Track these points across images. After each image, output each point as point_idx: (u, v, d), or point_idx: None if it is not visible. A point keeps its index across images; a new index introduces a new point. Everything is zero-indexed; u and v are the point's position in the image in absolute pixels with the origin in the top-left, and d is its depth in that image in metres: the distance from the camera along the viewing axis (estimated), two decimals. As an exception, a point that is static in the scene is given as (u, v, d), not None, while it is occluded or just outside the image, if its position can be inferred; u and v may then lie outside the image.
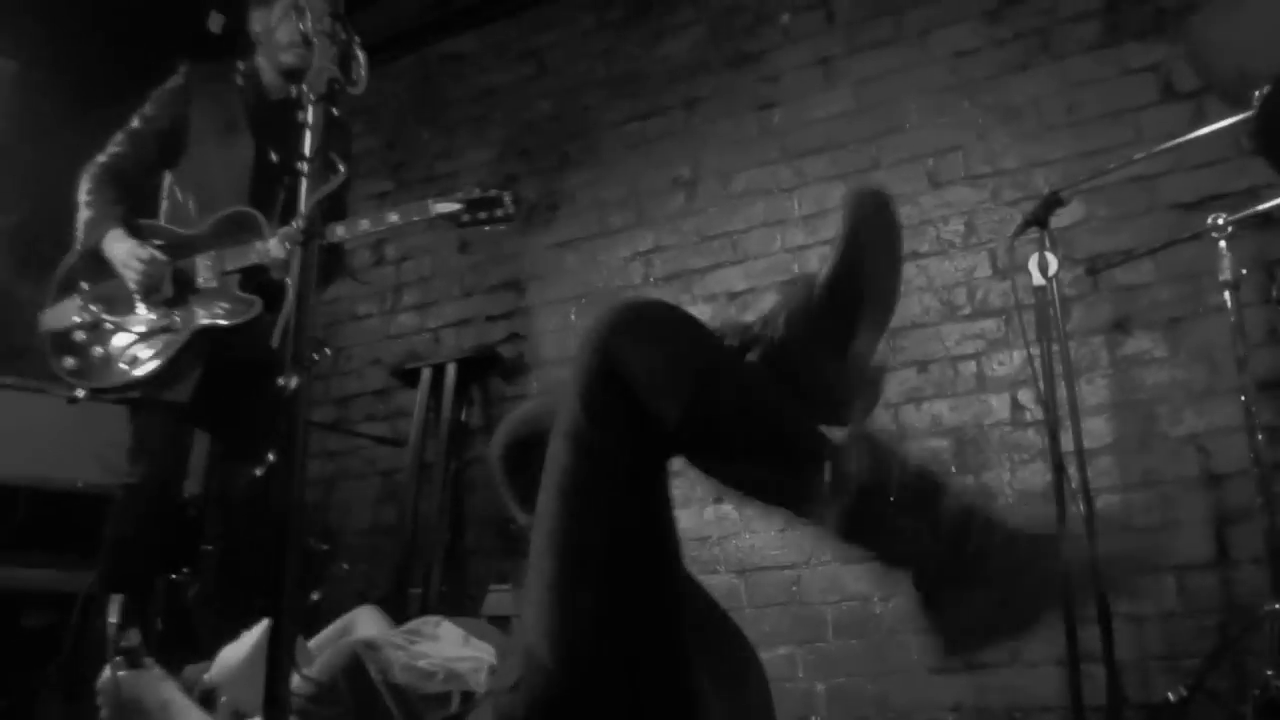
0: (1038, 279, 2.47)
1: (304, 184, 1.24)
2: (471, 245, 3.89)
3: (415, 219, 2.56)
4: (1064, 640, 2.36)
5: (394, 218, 2.58)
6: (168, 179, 2.83)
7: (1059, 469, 2.47)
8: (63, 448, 3.27)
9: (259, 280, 2.64)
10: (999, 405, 2.90)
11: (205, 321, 2.62)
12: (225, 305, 2.63)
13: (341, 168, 1.25)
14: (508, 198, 2.57)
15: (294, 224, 2.47)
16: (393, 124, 4.23)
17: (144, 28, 3.77)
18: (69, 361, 2.65)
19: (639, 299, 1.23)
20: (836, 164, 3.28)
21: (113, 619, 1.77)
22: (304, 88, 1.27)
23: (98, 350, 2.66)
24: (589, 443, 1.20)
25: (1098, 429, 2.77)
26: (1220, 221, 2.28)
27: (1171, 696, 2.05)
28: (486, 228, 2.60)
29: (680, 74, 3.63)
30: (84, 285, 2.69)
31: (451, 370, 3.66)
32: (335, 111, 1.31)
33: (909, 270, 3.10)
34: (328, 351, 1.24)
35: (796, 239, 3.29)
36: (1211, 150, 2.69)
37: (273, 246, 2.58)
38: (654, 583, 1.26)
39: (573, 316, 3.62)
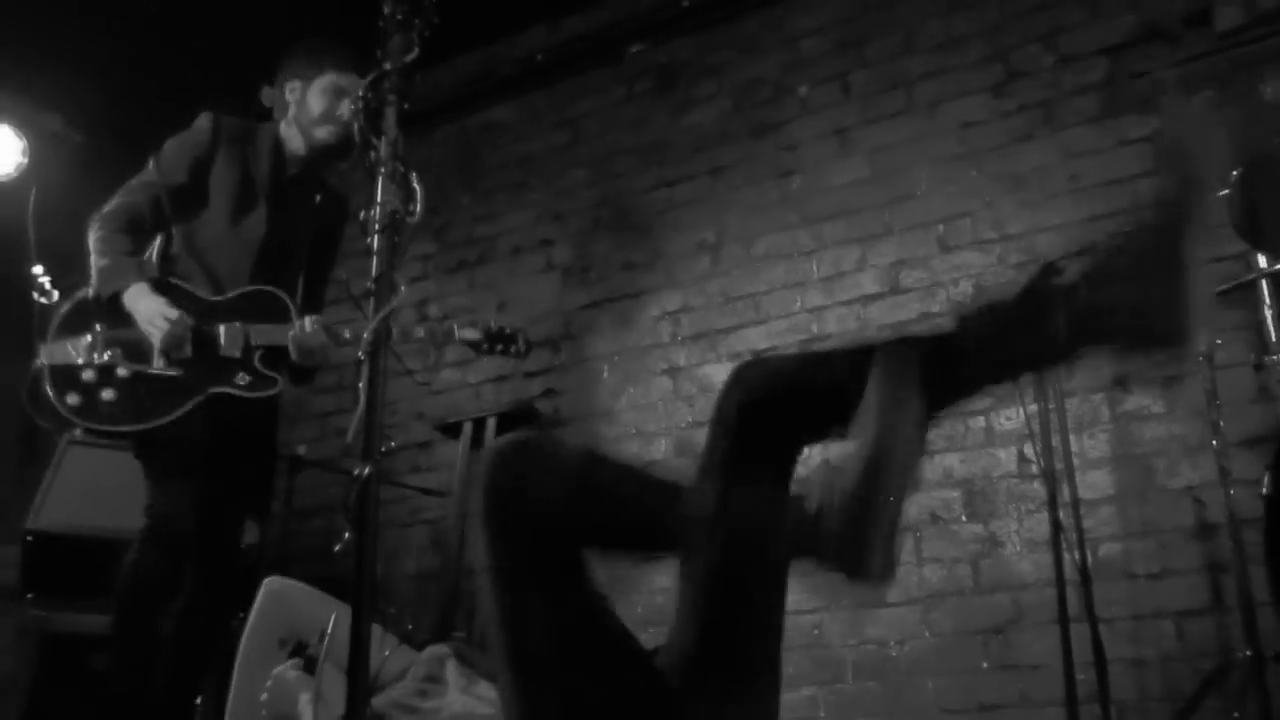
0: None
1: (371, 302, 1.44)
2: (509, 306, 4.12)
3: (440, 343, 2.81)
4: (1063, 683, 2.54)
5: (420, 333, 2.85)
6: (176, 238, 2.90)
7: (1055, 521, 2.65)
8: (125, 498, 3.51)
9: (279, 360, 2.81)
10: (1006, 458, 3.07)
11: (222, 389, 2.74)
12: (247, 378, 2.77)
13: (402, 288, 1.45)
14: (521, 339, 3.01)
15: (316, 320, 2.71)
16: (435, 189, 4.44)
17: (195, 95, 4.03)
18: (72, 398, 2.72)
19: (512, 440, 1.42)
20: (852, 229, 3.48)
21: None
22: (369, 218, 1.46)
23: (107, 393, 2.73)
24: (505, 568, 1.36)
25: (1099, 481, 2.93)
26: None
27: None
28: (501, 357, 3.02)
29: (705, 143, 3.85)
30: (98, 327, 2.77)
31: (491, 424, 3.86)
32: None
33: (920, 329, 3.29)
34: (393, 444, 1.45)
35: (815, 300, 3.49)
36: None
37: (309, 329, 2.76)
38: (606, 670, 1.40)
39: (605, 373, 3.83)
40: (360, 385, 1.39)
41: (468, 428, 3.90)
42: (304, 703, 2.16)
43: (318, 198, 3.02)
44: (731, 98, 3.85)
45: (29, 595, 3.48)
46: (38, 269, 4.69)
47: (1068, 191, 3.17)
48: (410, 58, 1.51)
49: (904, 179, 3.43)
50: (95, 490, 3.55)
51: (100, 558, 3.43)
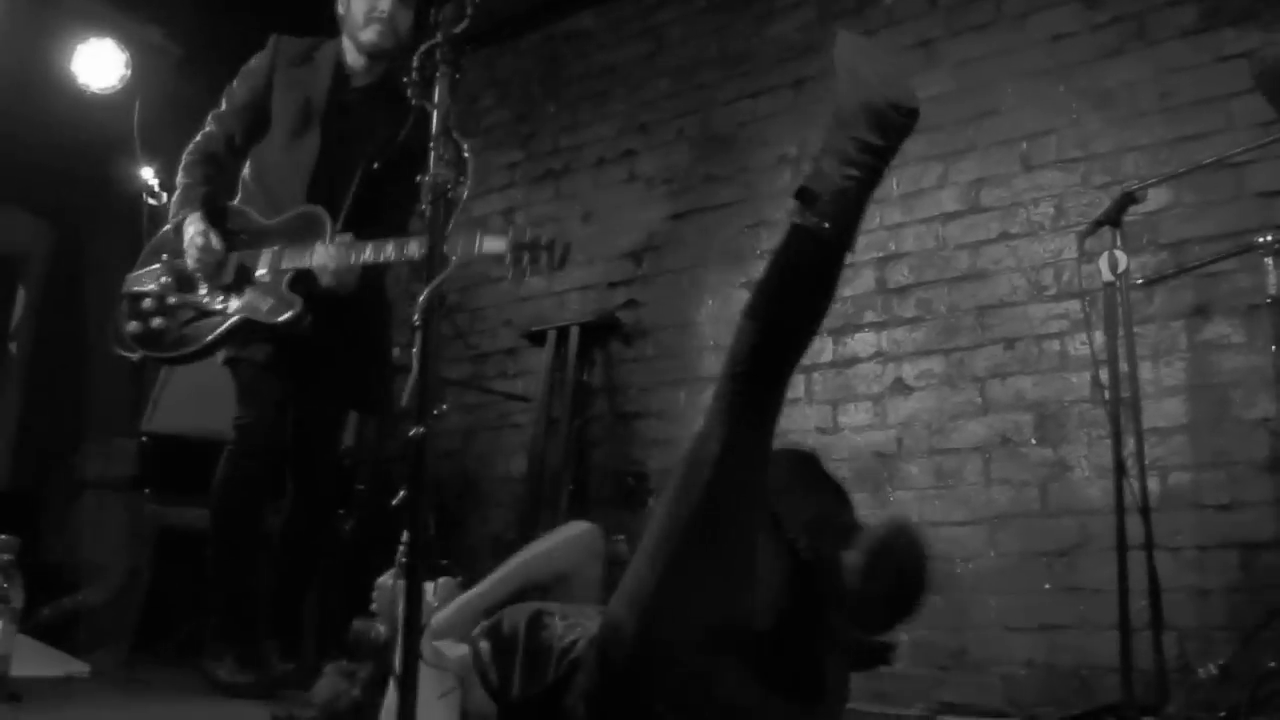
0: (1107, 275, 2.62)
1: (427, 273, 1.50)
2: (593, 216, 4.19)
3: (460, 254, 2.53)
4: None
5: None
6: (247, 163, 3.00)
7: (1117, 448, 2.63)
8: (231, 401, 3.71)
9: (308, 283, 2.78)
10: (1079, 383, 3.06)
11: (246, 315, 2.79)
12: (270, 302, 2.77)
13: (453, 258, 1.51)
14: (558, 250, 2.58)
15: (345, 236, 2.71)
16: (521, 98, 4.52)
17: (292, 9, 4.10)
18: (133, 325, 2.90)
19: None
20: (934, 145, 3.42)
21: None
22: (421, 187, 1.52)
23: (157, 321, 2.88)
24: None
25: (1173, 409, 2.92)
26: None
27: (1201, 673, 2.24)
28: (527, 273, 2.60)
29: (788, 54, 3.80)
30: (165, 257, 2.92)
31: (575, 333, 3.98)
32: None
33: (1000, 250, 3.26)
34: (444, 407, 1.54)
35: (894, 217, 3.47)
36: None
37: (318, 253, 2.75)
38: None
39: (686, 286, 3.88)
40: (414, 350, 1.47)
41: (552, 336, 4.03)
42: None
43: (384, 112, 2.94)
44: (816, 8, 3.77)
45: (146, 491, 3.76)
46: (147, 172, 4.92)
47: (1158, 110, 3.07)
48: (461, 28, 1.56)
49: (989, 94, 3.35)
50: (203, 394, 3.76)
51: (210, 457, 3.67)
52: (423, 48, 1.56)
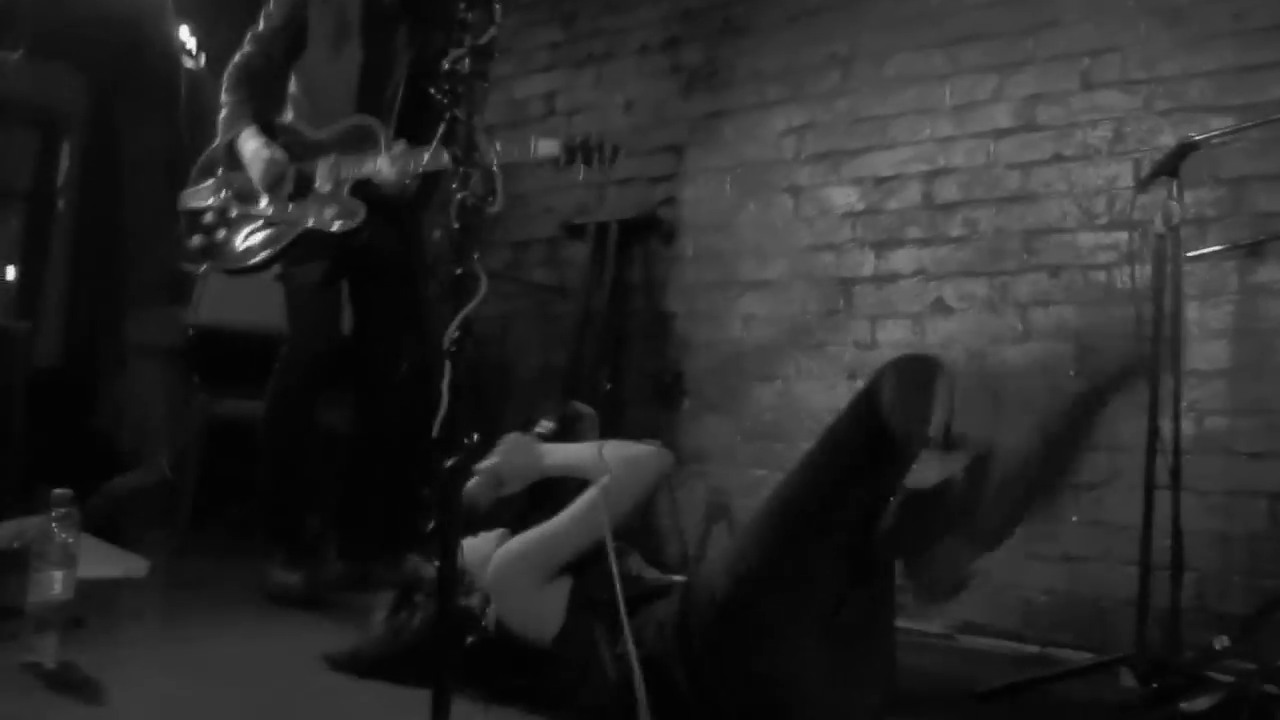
0: (1159, 228, 2.54)
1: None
2: (634, 106, 4.08)
3: (515, 158, 2.63)
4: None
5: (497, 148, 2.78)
6: (292, 78, 3.03)
7: (1153, 387, 2.59)
8: (275, 292, 3.75)
9: (368, 191, 2.84)
10: (1122, 317, 3.00)
11: (311, 224, 2.87)
12: (333, 210, 2.85)
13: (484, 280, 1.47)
14: (609, 150, 2.63)
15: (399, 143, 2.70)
16: (564, -28, 4.35)
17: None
18: (196, 239, 3.00)
19: None
20: (989, 55, 3.28)
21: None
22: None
23: (221, 234, 2.99)
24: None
25: (1216, 353, 2.87)
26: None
27: (1217, 645, 2.29)
28: (580, 175, 2.66)
29: (844, -55, 3.61)
30: (219, 172, 3.00)
31: (614, 229, 3.95)
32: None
33: (1052, 172, 3.16)
34: (476, 437, 1.54)
35: (944, 129, 3.36)
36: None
37: (382, 166, 2.78)
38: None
39: (727, 186, 3.81)
40: (443, 382, 1.47)
41: (592, 229, 4.00)
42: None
43: (422, 19, 2.97)
44: (876, -103, 3.55)
45: (195, 379, 3.86)
46: (183, 31, 4.84)
47: (1230, 33, 2.90)
48: (489, 36, 1.50)
49: (1050, 3, 3.18)
50: (245, 286, 3.80)
51: (254, 349, 3.73)
52: (449, 58, 1.51)
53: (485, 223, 1.52)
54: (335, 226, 2.85)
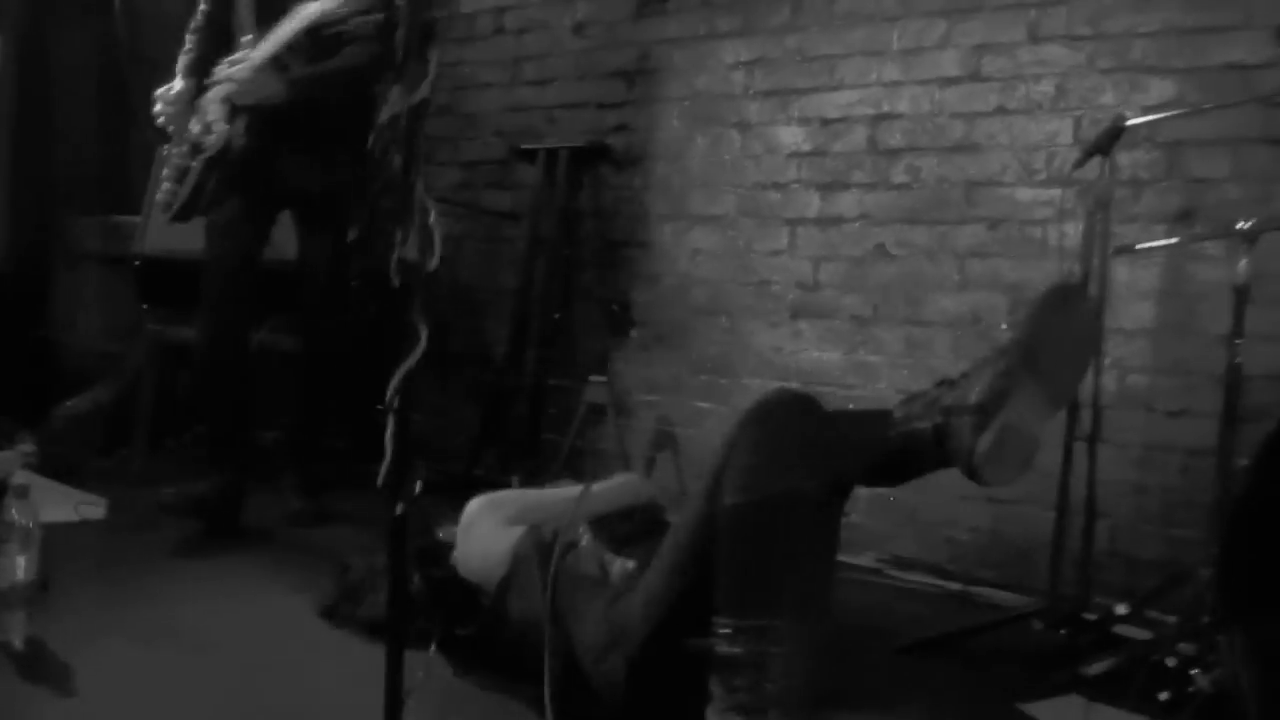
0: (1090, 205, 2.60)
1: None
2: (585, 29, 4.02)
3: None
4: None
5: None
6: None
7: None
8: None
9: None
10: (1056, 273, 3.09)
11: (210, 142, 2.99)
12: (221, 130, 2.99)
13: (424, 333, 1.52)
14: None
15: None
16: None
17: None
18: (168, 198, 3.10)
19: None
20: (941, -1, 3.27)
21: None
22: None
23: (168, 185, 3.10)
24: None
25: (1141, 313, 2.98)
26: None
27: (1118, 611, 2.47)
28: None
29: (798, -128, 3.52)
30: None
31: (565, 155, 3.94)
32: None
33: (995, 124, 3.19)
34: (421, 484, 1.61)
35: (891, 74, 3.36)
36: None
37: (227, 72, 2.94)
38: None
39: (676, 118, 3.80)
40: (387, 435, 1.53)
41: (542, 156, 3.99)
42: None
43: None
44: None
45: (144, 307, 3.88)
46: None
47: (1177, -8, 2.91)
48: (420, 96, 1.51)
49: (1003, -51, 3.15)
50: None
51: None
52: (383, 119, 1.52)
53: (424, 280, 1.56)
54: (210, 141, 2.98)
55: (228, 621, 2.41)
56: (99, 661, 2.10)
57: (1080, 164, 2.62)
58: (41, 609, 2.21)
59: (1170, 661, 2.23)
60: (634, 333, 3.90)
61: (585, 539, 2.17)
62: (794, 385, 2.56)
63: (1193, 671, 2.11)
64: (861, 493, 3.42)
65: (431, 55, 1.53)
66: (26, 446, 3.54)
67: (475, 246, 4.33)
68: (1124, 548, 2.99)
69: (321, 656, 2.25)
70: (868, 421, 1.99)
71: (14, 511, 2.19)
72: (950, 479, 3.17)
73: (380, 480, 1.55)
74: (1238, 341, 2.39)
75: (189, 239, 3.70)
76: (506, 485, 3.45)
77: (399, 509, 1.55)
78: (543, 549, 2.11)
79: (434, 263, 1.53)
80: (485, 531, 2.27)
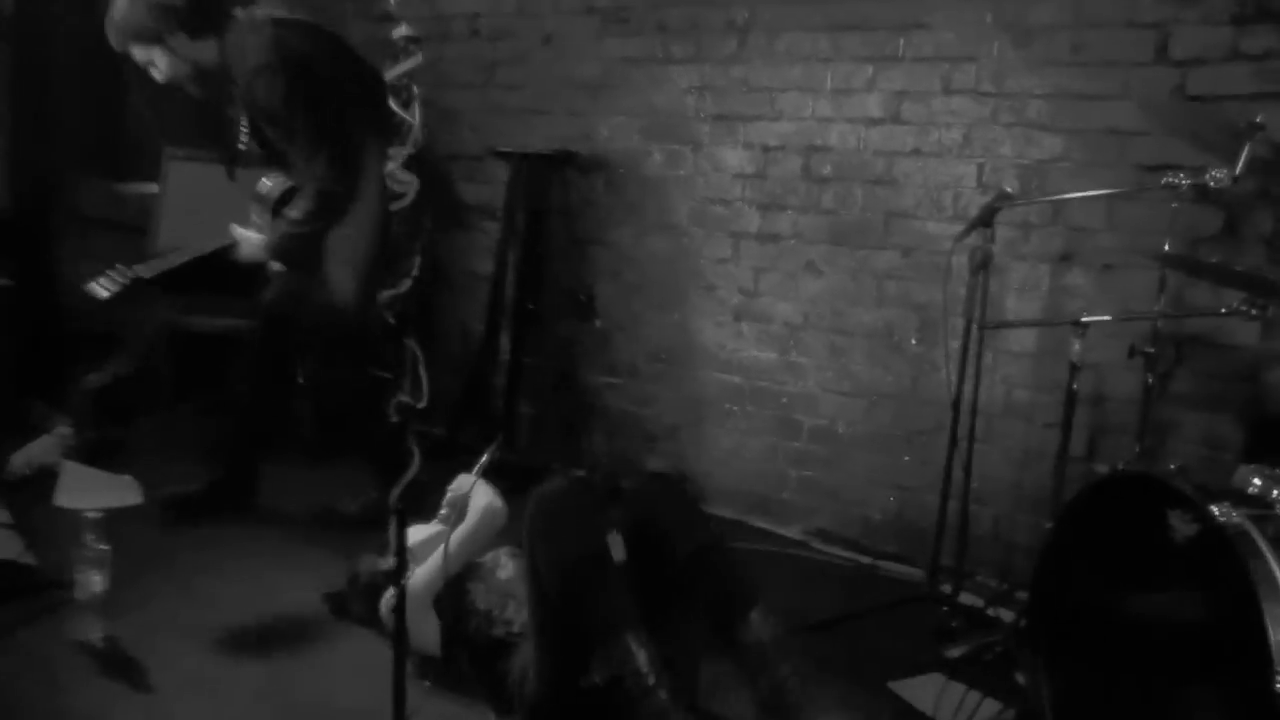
0: (973, 266, 3.09)
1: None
2: (553, 40, 4.39)
3: None
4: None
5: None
6: None
7: (962, 360, 3.22)
8: (225, 207, 4.12)
9: None
10: (955, 300, 3.58)
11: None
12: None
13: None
14: None
15: None
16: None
17: None
18: None
19: None
20: (867, 46, 3.66)
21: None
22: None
23: None
24: None
25: (1026, 338, 3.49)
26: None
27: (981, 602, 3.06)
28: None
29: (746, -88, 3.87)
30: None
31: (535, 159, 4.36)
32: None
33: (911, 164, 3.64)
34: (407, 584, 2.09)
35: (824, 110, 3.78)
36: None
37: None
38: None
39: (636, 132, 4.22)
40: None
41: (514, 159, 4.41)
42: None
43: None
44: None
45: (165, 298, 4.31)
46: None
47: (1068, 62, 3.33)
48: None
49: (922, 6, 3.54)
50: (200, 204, 4.14)
51: (216, 265, 4.13)
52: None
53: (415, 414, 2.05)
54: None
55: (276, 612, 2.95)
56: (162, 652, 2.64)
57: (965, 234, 3.10)
58: (109, 605, 2.74)
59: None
60: (598, 321, 4.39)
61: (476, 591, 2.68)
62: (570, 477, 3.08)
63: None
64: (791, 473, 3.99)
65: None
66: (63, 429, 4.01)
67: (455, 233, 4.76)
68: (1004, 533, 3.56)
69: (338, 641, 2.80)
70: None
71: (90, 538, 2.71)
72: (870, 464, 3.75)
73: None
74: (1074, 388, 2.89)
75: (200, 235, 4.14)
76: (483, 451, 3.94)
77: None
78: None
79: (424, 403, 2.03)
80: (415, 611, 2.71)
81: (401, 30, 1.90)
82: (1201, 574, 1.98)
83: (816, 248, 3.85)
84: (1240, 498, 2.02)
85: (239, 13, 3.31)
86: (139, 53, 3.30)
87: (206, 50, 3.27)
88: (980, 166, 3.52)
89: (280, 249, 3.34)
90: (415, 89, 1.93)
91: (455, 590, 2.63)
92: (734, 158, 4.00)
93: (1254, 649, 1.78)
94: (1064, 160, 3.37)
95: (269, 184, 3.51)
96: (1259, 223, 3.08)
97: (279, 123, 3.23)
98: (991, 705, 2.62)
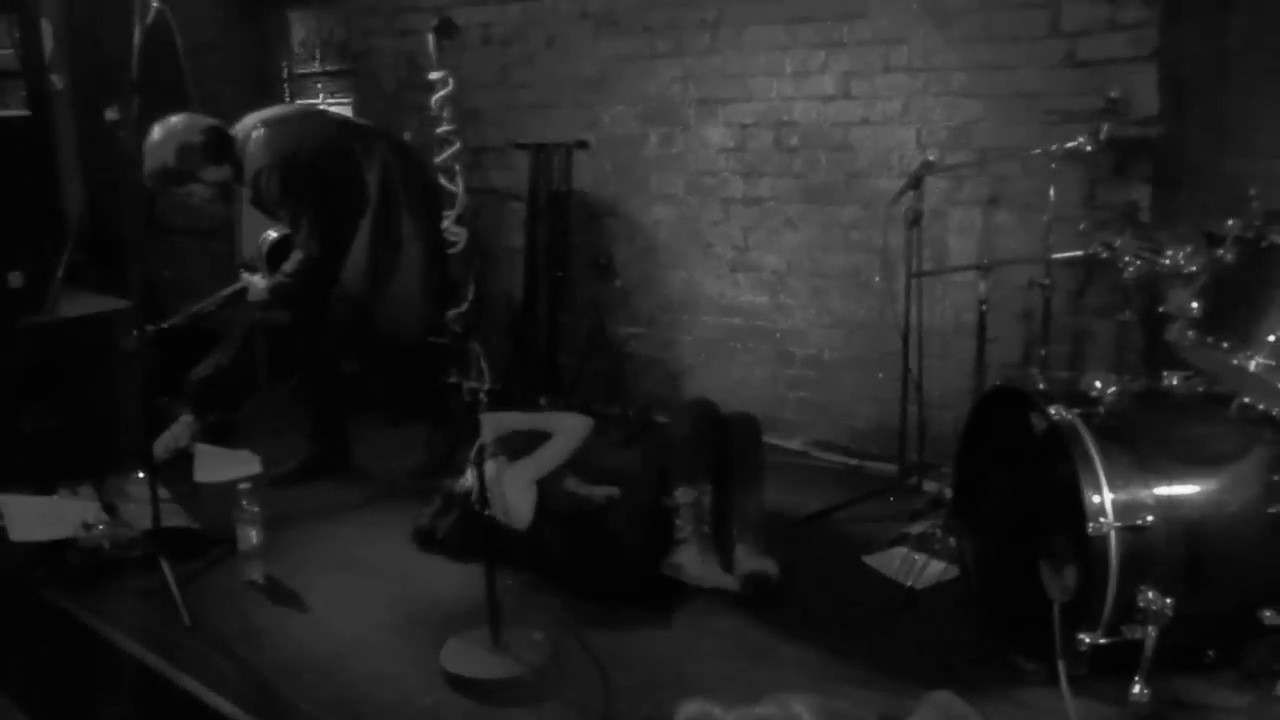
0: (907, 220, 3.83)
1: None
2: (555, 43, 5.11)
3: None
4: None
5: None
6: None
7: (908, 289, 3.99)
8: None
9: None
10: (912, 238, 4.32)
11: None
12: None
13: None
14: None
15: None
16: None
17: None
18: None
19: None
20: (818, 34, 4.35)
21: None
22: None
23: None
24: None
25: (968, 276, 4.21)
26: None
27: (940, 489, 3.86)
28: None
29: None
30: None
31: (550, 149, 5.11)
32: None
33: (862, 132, 4.35)
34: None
35: (787, 91, 4.49)
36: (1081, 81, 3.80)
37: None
38: None
39: (633, 120, 4.95)
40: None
41: (533, 150, 5.16)
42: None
43: None
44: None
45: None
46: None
47: (982, 38, 4.00)
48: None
49: (862, -1, 4.23)
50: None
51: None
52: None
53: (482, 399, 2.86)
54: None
55: (371, 546, 3.82)
56: (310, 582, 3.51)
57: (899, 197, 3.83)
58: (265, 556, 3.61)
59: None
60: (618, 282, 5.17)
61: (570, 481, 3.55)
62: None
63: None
64: (789, 395, 4.78)
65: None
66: (187, 417, 4.88)
67: (490, 214, 5.53)
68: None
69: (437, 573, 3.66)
70: None
71: (245, 501, 3.57)
72: (853, 383, 4.53)
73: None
74: (983, 309, 3.65)
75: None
76: (535, 402, 4.82)
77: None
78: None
79: (488, 387, 2.85)
80: (513, 491, 3.57)
81: (443, 127, 2.67)
82: (1055, 456, 2.75)
83: (792, 206, 4.58)
84: (1078, 399, 2.78)
85: (235, 129, 4.07)
86: (178, 191, 4.09)
87: (224, 170, 4.07)
88: (918, 131, 4.22)
89: (276, 294, 4.20)
90: (458, 168, 2.70)
91: (554, 476, 3.53)
92: (717, 135, 4.72)
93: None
94: (984, 120, 4.07)
95: (272, 235, 4.35)
96: (1140, 165, 3.78)
97: (282, 210, 4.07)
98: (938, 566, 3.43)
